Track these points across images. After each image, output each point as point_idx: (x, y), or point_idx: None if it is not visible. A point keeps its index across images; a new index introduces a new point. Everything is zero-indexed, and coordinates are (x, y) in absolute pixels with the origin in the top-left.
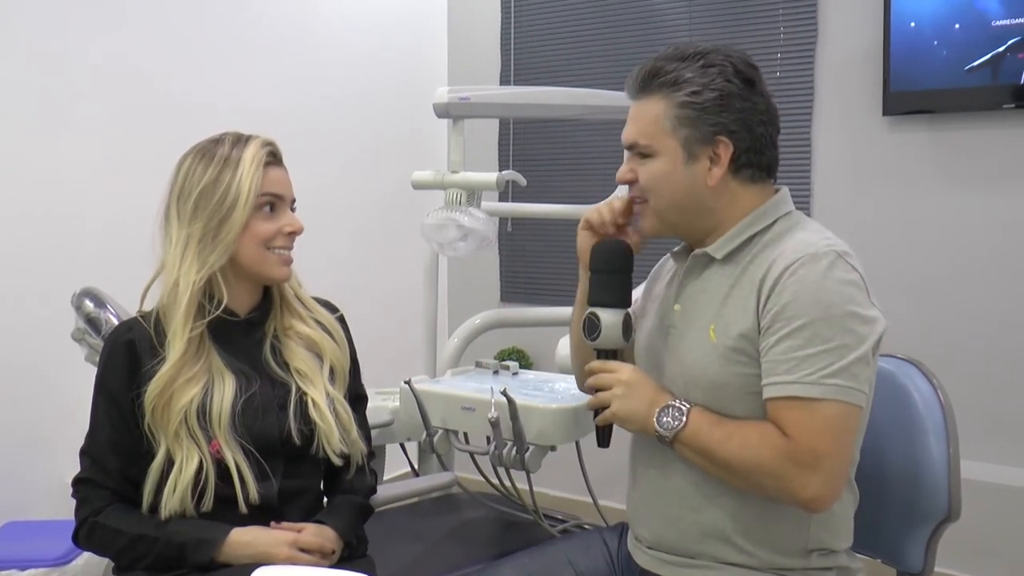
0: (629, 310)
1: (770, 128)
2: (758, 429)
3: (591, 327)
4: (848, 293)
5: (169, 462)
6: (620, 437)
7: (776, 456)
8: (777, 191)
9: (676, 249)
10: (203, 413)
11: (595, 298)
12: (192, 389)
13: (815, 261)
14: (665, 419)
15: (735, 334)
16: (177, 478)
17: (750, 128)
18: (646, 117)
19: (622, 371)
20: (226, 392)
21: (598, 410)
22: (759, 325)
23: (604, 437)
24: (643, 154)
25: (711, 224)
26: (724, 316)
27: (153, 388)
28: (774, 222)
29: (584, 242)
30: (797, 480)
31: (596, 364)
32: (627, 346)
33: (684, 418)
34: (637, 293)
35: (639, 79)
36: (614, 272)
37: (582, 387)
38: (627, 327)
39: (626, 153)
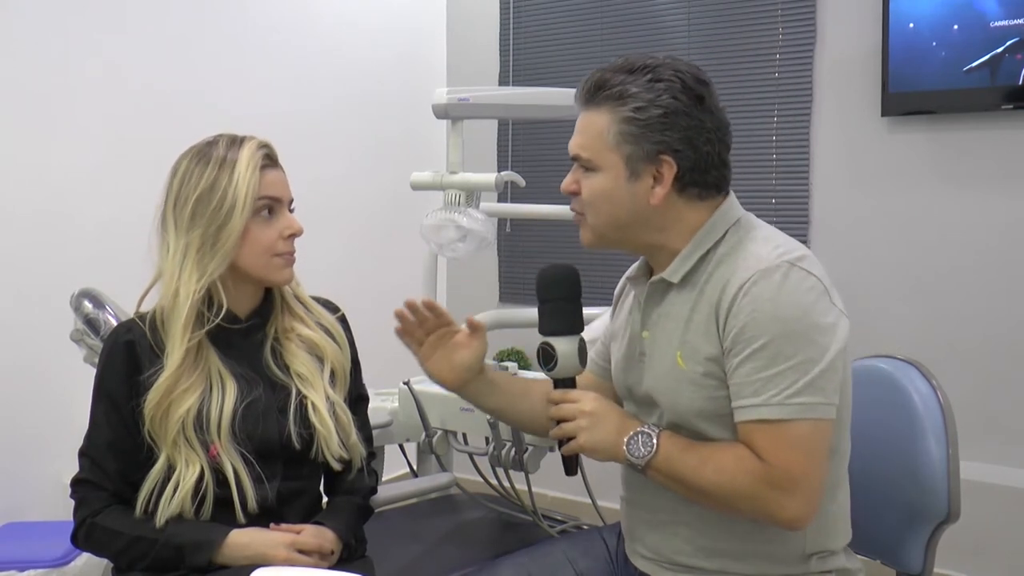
0: (582, 335)
1: (718, 146)
2: (732, 453)
3: (547, 358)
4: (806, 303)
5: (169, 468)
6: None
7: (752, 480)
8: (725, 197)
9: (631, 273)
10: (202, 421)
11: (547, 328)
12: (190, 398)
13: (767, 277)
14: (635, 447)
15: (702, 359)
16: (177, 485)
17: (695, 147)
18: (590, 130)
19: (584, 401)
20: (227, 398)
21: (562, 440)
22: (723, 348)
23: (571, 466)
24: (586, 168)
25: (657, 241)
26: (689, 342)
27: (151, 398)
28: (724, 235)
29: (433, 366)
30: (775, 502)
31: (556, 395)
32: (583, 371)
33: (654, 443)
34: (591, 314)
35: (585, 90)
36: (562, 300)
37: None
38: (583, 353)
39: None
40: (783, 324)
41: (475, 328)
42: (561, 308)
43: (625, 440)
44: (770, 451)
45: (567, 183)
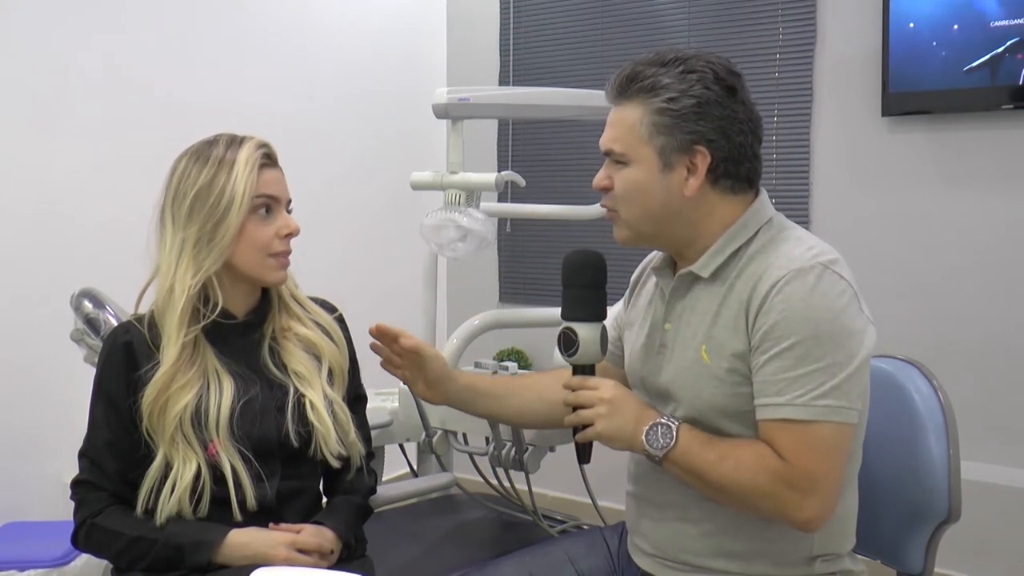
0: (604, 323)
1: (750, 138)
2: (753, 450)
3: (568, 343)
4: (837, 307)
5: (167, 466)
6: None
7: (772, 479)
8: (757, 195)
9: (655, 264)
10: (200, 417)
11: (570, 313)
12: (187, 395)
13: (801, 277)
14: (653, 437)
15: (728, 355)
16: (175, 483)
17: (729, 137)
18: (623, 123)
19: (603, 388)
20: (224, 395)
21: (577, 427)
22: (750, 344)
23: (585, 454)
24: (619, 161)
25: (688, 235)
26: (715, 337)
27: (149, 393)
28: (756, 233)
29: (415, 388)
30: (793, 502)
31: (575, 381)
32: (603, 359)
33: (674, 436)
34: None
35: (617, 84)
36: (588, 286)
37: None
38: (604, 341)
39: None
40: (814, 326)
41: (415, 348)
42: (586, 294)
43: (644, 430)
44: (792, 451)
45: (599, 179)
